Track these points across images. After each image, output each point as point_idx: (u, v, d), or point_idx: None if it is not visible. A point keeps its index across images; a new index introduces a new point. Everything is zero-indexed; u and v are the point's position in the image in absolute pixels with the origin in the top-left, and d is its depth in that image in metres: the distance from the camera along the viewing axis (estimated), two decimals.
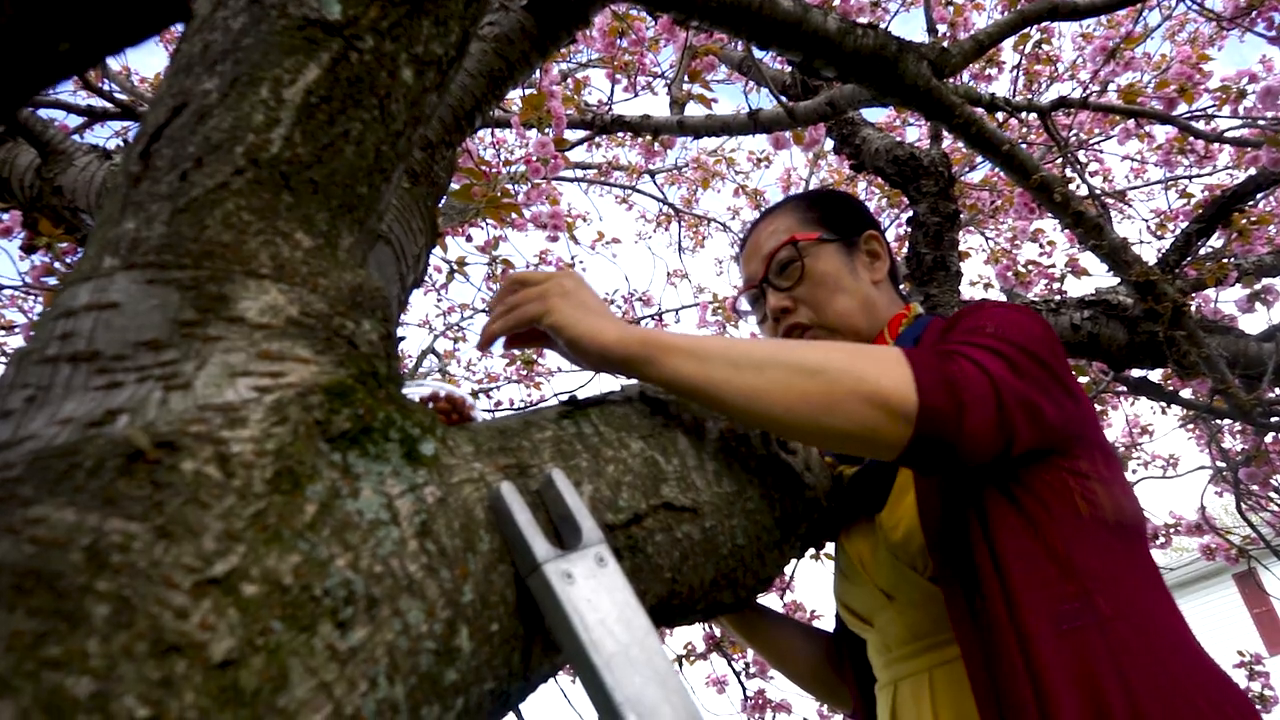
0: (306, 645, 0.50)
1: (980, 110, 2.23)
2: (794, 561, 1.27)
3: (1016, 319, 0.96)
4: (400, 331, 2.46)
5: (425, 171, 1.59)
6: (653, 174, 7.24)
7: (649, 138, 3.68)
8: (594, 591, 0.65)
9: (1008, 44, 3.77)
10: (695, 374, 0.82)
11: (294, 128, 0.73)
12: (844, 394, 0.80)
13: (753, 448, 0.89)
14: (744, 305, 1.33)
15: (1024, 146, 2.50)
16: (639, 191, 6.98)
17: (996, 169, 4.91)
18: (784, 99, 2.65)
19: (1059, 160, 2.50)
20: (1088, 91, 2.82)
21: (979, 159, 5.22)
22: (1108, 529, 0.90)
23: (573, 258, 6.10)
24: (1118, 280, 3.31)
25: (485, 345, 0.93)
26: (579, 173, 6.84)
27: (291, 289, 0.67)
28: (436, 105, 0.91)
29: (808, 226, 1.23)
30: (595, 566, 0.67)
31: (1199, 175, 4.80)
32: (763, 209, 1.27)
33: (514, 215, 2.74)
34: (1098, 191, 2.58)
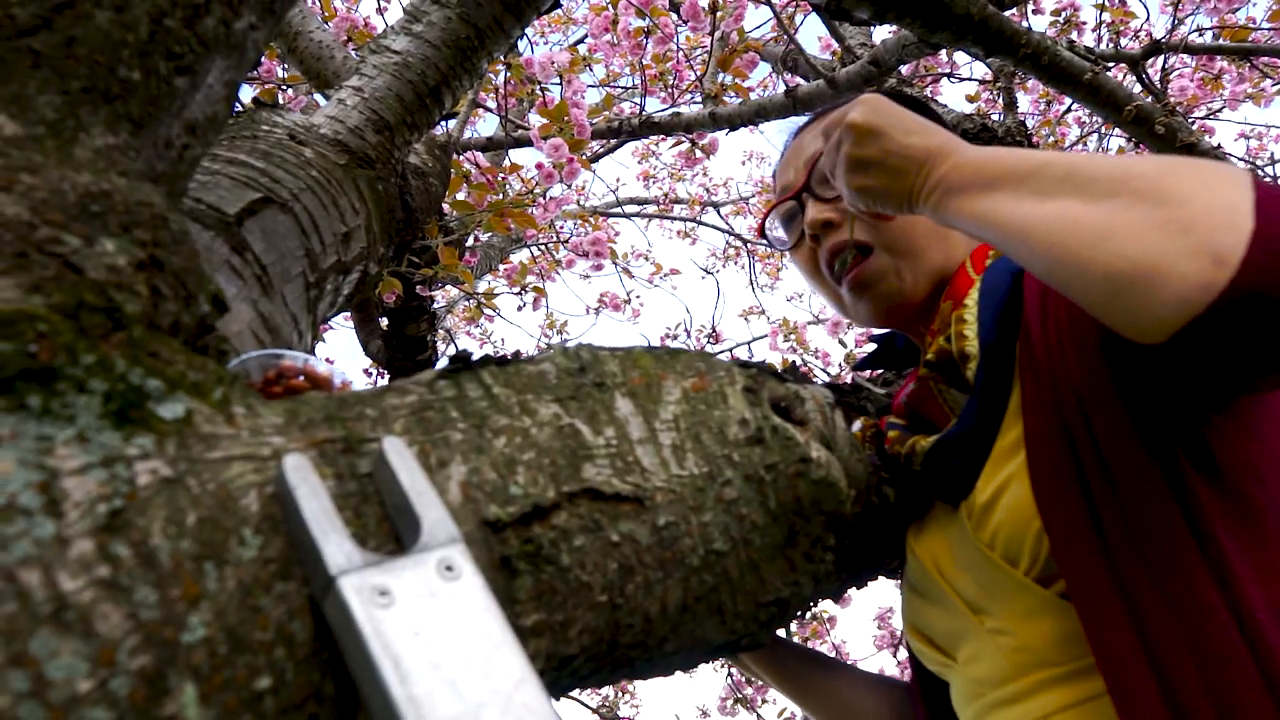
0: None
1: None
2: (851, 587, 1.01)
3: None
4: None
5: (383, 157, 1.41)
6: (716, 206, 7.05)
7: (688, 145, 3.49)
8: (427, 619, 0.42)
9: (1086, 3, 3.47)
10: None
11: None
12: (1130, 219, 0.55)
13: (732, 409, 0.65)
14: (777, 232, 1.04)
15: None
16: (703, 224, 6.78)
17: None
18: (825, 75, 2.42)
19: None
20: (1191, 32, 2.52)
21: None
22: None
23: (628, 293, 5.92)
24: None
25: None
26: (637, 208, 6.72)
27: None
28: None
29: None
30: (437, 580, 0.44)
31: None
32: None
33: (530, 228, 2.56)
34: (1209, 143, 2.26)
